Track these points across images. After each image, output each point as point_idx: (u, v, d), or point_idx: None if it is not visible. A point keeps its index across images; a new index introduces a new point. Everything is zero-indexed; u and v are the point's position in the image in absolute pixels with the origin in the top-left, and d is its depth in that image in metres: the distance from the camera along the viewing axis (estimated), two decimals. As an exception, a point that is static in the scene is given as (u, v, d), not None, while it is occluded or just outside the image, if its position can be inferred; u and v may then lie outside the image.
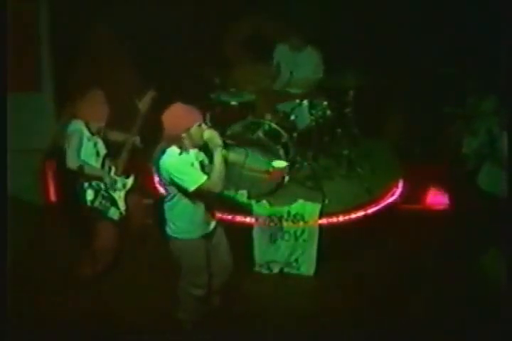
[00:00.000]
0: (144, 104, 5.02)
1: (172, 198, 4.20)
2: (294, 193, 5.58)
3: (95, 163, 4.88)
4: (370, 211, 5.69)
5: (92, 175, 4.84)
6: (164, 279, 5.29)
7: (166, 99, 5.05)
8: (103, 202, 4.92)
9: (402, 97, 7.02)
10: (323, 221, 5.48)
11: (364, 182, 5.92)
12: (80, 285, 5.06)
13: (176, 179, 4.03)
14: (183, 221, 4.26)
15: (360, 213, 5.64)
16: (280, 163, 4.41)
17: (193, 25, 6.63)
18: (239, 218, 5.50)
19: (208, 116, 6.44)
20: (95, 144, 4.88)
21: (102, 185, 4.93)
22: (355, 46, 6.51)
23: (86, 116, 4.85)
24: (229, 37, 7.08)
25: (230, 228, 5.44)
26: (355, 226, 5.60)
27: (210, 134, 4.08)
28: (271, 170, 4.36)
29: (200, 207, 4.25)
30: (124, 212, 5.00)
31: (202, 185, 4.01)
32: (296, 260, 5.47)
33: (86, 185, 4.91)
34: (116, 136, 5.12)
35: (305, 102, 6.17)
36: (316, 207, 5.43)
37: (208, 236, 4.40)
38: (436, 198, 6.49)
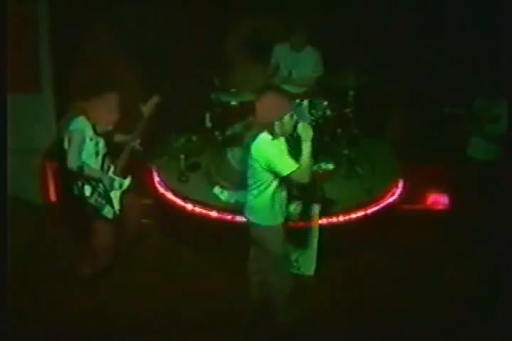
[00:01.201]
0: (147, 108, 5.03)
1: (259, 186, 4.32)
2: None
3: (95, 162, 4.87)
4: (370, 211, 5.69)
5: (91, 176, 4.84)
6: (164, 279, 5.30)
7: (166, 99, 5.13)
8: (99, 199, 4.91)
9: (402, 97, 7.02)
10: (323, 221, 5.48)
11: (364, 182, 5.92)
12: (80, 285, 5.07)
13: (271, 163, 4.17)
14: (267, 208, 4.38)
15: (360, 213, 5.64)
16: (328, 166, 4.48)
17: (193, 25, 6.62)
18: (239, 218, 5.49)
19: (208, 116, 6.45)
20: (97, 143, 4.86)
21: (100, 183, 4.93)
22: (355, 46, 6.51)
23: (96, 118, 4.81)
24: (229, 37, 7.07)
25: (230, 228, 5.49)
26: (355, 226, 5.60)
27: (304, 126, 4.22)
28: (320, 171, 4.41)
29: (283, 195, 4.40)
30: (118, 212, 5.00)
31: (293, 172, 4.15)
32: (297, 260, 5.47)
33: (84, 181, 4.90)
34: (117, 137, 5.11)
35: (305, 102, 6.17)
36: (316, 207, 5.42)
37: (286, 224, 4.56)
38: (436, 198, 6.49)
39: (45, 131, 6.42)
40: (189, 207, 5.67)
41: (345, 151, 6.20)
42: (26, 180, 6.20)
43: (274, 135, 4.21)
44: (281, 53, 6.51)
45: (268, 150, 4.19)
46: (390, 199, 5.92)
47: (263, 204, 4.37)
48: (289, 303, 4.74)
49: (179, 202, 5.74)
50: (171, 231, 5.98)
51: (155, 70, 6.53)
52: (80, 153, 4.74)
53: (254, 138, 4.24)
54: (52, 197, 6.38)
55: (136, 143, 5.08)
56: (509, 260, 5.02)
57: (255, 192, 4.37)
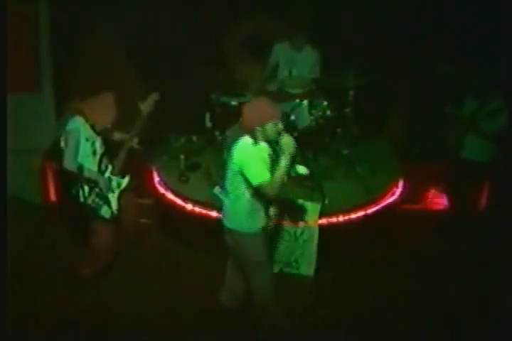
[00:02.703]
0: (146, 106, 5.01)
1: (235, 190, 4.21)
2: (294, 193, 5.57)
3: (92, 163, 4.86)
4: (370, 211, 5.69)
5: (87, 177, 4.83)
6: (164, 279, 5.30)
7: (166, 99, 5.13)
8: (96, 199, 4.91)
9: (402, 97, 7.02)
10: (323, 221, 5.48)
11: (364, 182, 5.92)
12: (80, 285, 5.06)
13: (244, 168, 4.07)
14: (245, 213, 4.24)
15: (360, 213, 5.64)
16: (302, 169, 4.43)
17: (193, 25, 6.62)
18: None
19: (207, 116, 6.45)
20: (93, 143, 4.85)
21: (97, 184, 4.92)
22: (355, 46, 6.51)
23: (94, 117, 4.81)
24: (229, 37, 7.07)
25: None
26: (355, 226, 5.60)
27: (288, 140, 4.07)
28: (292, 175, 4.36)
29: (261, 203, 4.25)
30: (115, 212, 5.00)
31: (263, 183, 4.02)
32: (296, 260, 5.47)
33: (82, 182, 4.90)
34: (115, 135, 5.11)
35: (305, 102, 6.17)
36: (316, 207, 5.42)
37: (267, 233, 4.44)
38: (436, 198, 6.49)
39: (45, 131, 6.42)
40: (189, 207, 5.67)
41: (345, 151, 6.20)
42: (26, 180, 6.20)
43: (256, 140, 4.13)
44: (281, 52, 6.51)
45: (245, 154, 4.10)
46: (390, 199, 5.92)
47: (241, 209, 4.23)
48: (273, 308, 4.52)
49: (179, 202, 5.74)
50: (171, 231, 5.98)
51: (155, 70, 6.53)
52: (75, 153, 4.74)
53: (235, 140, 4.19)
54: (52, 197, 6.38)
55: (135, 142, 5.08)
56: (509, 260, 5.03)
57: (232, 196, 4.24)
